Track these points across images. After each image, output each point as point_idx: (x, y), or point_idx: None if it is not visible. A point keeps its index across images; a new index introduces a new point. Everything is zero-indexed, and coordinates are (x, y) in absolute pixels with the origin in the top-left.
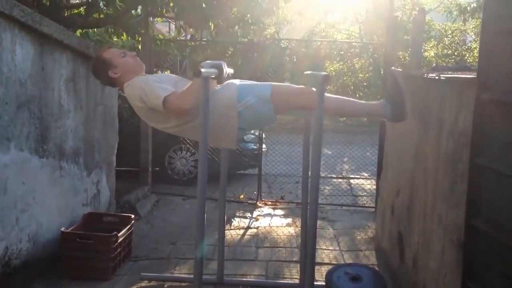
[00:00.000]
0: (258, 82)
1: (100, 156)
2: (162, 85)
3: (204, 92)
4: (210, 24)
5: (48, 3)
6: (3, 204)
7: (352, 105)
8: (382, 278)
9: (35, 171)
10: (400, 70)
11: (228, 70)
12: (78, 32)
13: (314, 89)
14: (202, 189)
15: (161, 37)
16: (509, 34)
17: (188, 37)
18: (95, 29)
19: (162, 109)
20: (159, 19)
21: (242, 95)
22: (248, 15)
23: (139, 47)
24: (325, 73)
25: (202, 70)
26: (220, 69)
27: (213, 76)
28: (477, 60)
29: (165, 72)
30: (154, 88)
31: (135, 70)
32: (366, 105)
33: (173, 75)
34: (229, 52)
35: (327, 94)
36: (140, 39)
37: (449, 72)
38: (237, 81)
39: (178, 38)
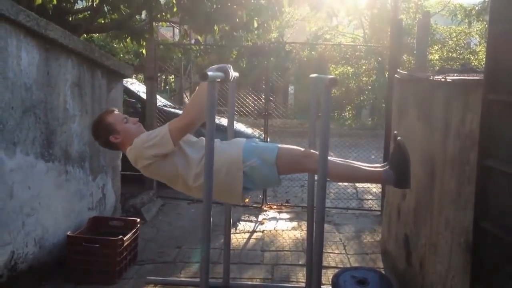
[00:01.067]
0: (265, 143)
1: (105, 161)
2: (156, 131)
3: (210, 96)
4: (215, 28)
5: (51, 9)
6: (9, 209)
7: (355, 172)
8: (389, 281)
9: (41, 175)
10: (405, 73)
11: (233, 74)
12: (82, 37)
13: (317, 152)
14: (208, 193)
15: (166, 41)
16: None
17: (193, 41)
18: (100, 34)
19: (172, 145)
20: (163, 23)
21: (247, 156)
22: (255, 19)
23: (143, 51)
24: (332, 76)
25: (209, 73)
26: (226, 72)
27: (219, 80)
28: (482, 63)
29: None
30: (153, 134)
31: (136, 135)
32: (369, 173)
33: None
34: (234, 56)
35: (331, 159)
36: (144, 43)
37: (455, 74)
38: (242, 140)
39: (182, 43)
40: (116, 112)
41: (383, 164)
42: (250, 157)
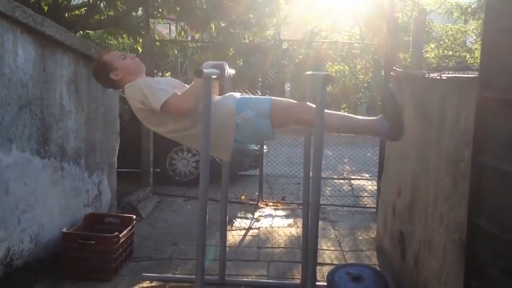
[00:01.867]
0: (259, 96)
1: (101, 157)
2: (162, 87)
3: (205, 93)
4: (211, 25)
5: (47, 5)
6: (5, 205)
7: (351, 121)
8: (384, 278)
9: (37, 172)
10: (401, 70)
11: (229, 71)
12: (79, 34)
13: (313, 105)
14: (204, 190)
15: (162, 37)
16: (511, 32)
17: (189, 38)
18: (96, 31)
19: (159, 112)
20: (160, 20)
21: (241, 108)
22: (251, 16)
23: (139, 48)
24: (327, 72)
25: (204, 70)
26: (222, 69)
27: (215, 77)
28: (477, 61)
29: (166, 75)
30: (154, 90)
31: (136, 71)
32: (365, 121)
33: (174, 79)
34: (230, 54)
35: (327, 111)
36: (141, 40)
37: (450, 72)
38: (237, 94)
39: (179, 39)
40: (113, 51)
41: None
42: (243, 109)
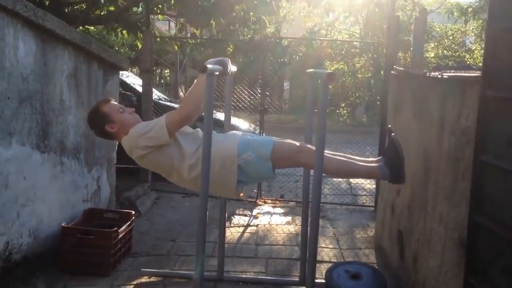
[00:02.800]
0: (260, 137)
1: (100, 153)
2: (154, 121)
3: (208, 89)
4: (211, 22)
5: (48, 0)
6: (4, 199)
7: (350, 168)
8: (382, 276)
9: (36, 166)
10: (402, 69)
11: (232, 68)
12: (79, 29)
13: (313, 147)
14: (204, 187)
15: (162, 34)
16: None
17: (189, 35)
18: (96, 27)
19: (168, 136)
20: (160, 16)
21: (243, 149)
22: (251, 13)
23: (139, 44)
24: (329, 71)
25: (208, 66)
26: (224, 65)
27: (217, 73)
28: (477, 61)
29: (165, 71)
30: (150, 125)
31: (132, 125)
32: (364, 168)
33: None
34: (230, 51)
35: (326, 153)
36: (141, 36)
37: (451, 71)
38: (239, 133)
39: (178, 36)
40: (113, 101)
41: (377, 158)
42: (245, 151)
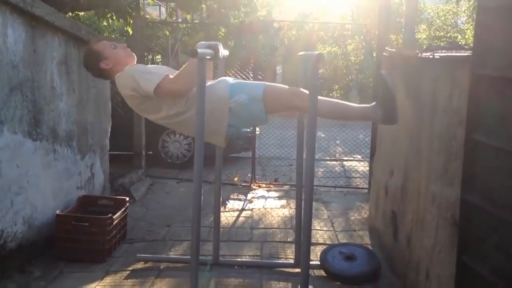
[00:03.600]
0: (252, 81)
1: (93, 140)
2: (153, 72)
3: (200, 74)
4: (202, 6)
5: None
6: None
7: (344, 108)
8: (376, 257)
9: (29, 154)
10: (393, 50)
11: (223, 52)
12: (68, 15)
13: (306, 91)
14: (199, 172)
15: (152, 19)
16: (505, 10)
17: (180, 20)
18: (86, 13)
19: (153, 96)
20: (150, 1)
21: (234, 92)
22: None
23: (129, 30)
24: (318, 52)
25: (198, 50)
26: (216, 49)
27: (209, 57)
28: (469, 41)
29: (156, 57)
30: (146, 75)
31: (127, 61)
32: (358, 108)
33: (164, 66)
34: (221, 34)
35: (319, 97)
36: (131, 22)
37: (442, 51)
38: (230, 79)
39: (169, 21)
40: (104, 40)
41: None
42: (236, 94)
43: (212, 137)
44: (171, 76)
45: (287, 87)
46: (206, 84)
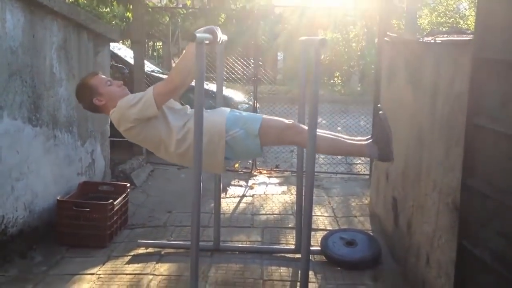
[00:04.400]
0: (249, 113)
1: (93, 126)
2: (141, 93)
3: (199, 58)
4: None
5: None
6: None
7: (340, 145)
8: (377, 242)
9: (29, 140)
10: (395, 36)
11: (222, 37)
12: (68, 1)
13: (304, 126)
14: (198, 159)
15: (153, 5)
16: None
17: (180, 6)
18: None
19: (156, 109)
20: None
21: (230, 125)
22: None
23: (130, 15)
24: (321, 37)
25: (197, 34)
26: (213, 33)
27: (207, 42)
28: (471, 27)
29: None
30: (138, 97)
31: (120, 98)
32: (354, 146)
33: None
34: (222, 20)
35: (318, 132)
36: (131, 7)
37: (444, 36)
38: (227, 110)
39: (170, 6)
40: (100, 75)
41: (367, 137)
42: (233, 127)
43: (210, 168)
44: (160, 82)
45: (285, 121)
46: (203, 112)
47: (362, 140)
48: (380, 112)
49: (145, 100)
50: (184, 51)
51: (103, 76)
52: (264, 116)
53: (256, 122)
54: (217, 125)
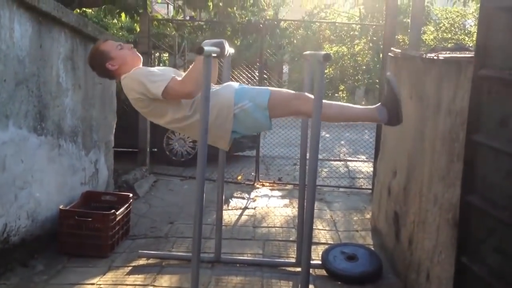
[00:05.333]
0: (258, 87)
1: (98, 136)
2: (159, 73)
3: (206, 71)
4: (209, 4)
5: None
6: (2, 182)
7: (348, 110)
8: (378, 257)
9: (34, 149)
10: (399, 51)
11: (229, 50)
12: (75, 12)
13: (311, 95)
14: (201, 170)
15: (160, 17)
16: (507, 11)
17: (187, 18)
18: (93, 9)
19: (162, 98)
20: None
21: (239, 98)
22: None
23: (137, 27)
24: (325, 52)
25: (205, 48)
26: (221, 46)
27: (215, 55)
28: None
29: (164, 55)
30: (153, 77)
31: (133, 62)
32: (363, 110)
33: (170, 68)
34: (228, 33)
35: (324, 101)
36: (138, 19)
37: (447, 52)
38: (235, 84)
39: (176, 19)
40: (111, 40)
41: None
42: (241, 100)
43: (216, 141)
44: (178, 79)
45: (292, 92)
46: (212, 89)
47: (371, 107)
48: (388, 73)
49: (157, 85)
50: (194, 63)
51: (113, 41)
52: (272, 88)
53: (265, 94)
54: (226, 98)
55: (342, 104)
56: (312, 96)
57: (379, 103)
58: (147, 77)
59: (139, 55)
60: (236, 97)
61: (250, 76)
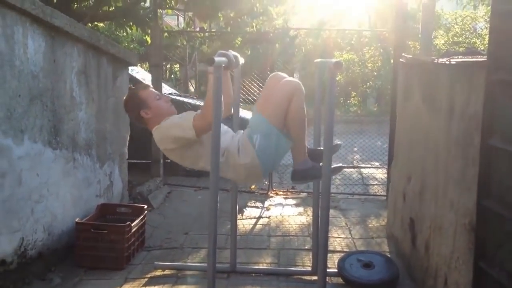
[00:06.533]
0: (250, 116)
1: (112, 148)
2: (185, 117)
3: (216, 82)
4: (219, 15)
5: None
6: (18, 196)
7: (304, 132)
8: (394, 264)
9: (49, 163)
10: (410, 57)
11: (239, 59)
12: (88, 26)
13: (282, 74)
14: (215, 180)
15: (170, 28)
16: None
17: (197, 29)
18: (105, 23)
19: (194, 136)
20: (168, 11)
21: (251, 139)
22: (257, 5)
23: (148, 39)
24: (336, 60)
25: (216, 58)
26: (229, 57)
27: (224, 65)
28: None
29: (174, 66)
30: (181, 121)
31: (168, 114)
32: (305, 146)
33: (191, 112)
34: (238, 43)
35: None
36: (149, 31)
37: (459, 57)
38: (240, 132)
39: (187, 30)
40: (151, 88)
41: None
42: (252, 138)
43: (253, 182)
44: (199, 114)
45: (271, 88)
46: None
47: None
48: (321, 164)
49: (186, 128)
50: (209, 82)
51: (154, 90)
52: (259, 105)
53: (259, 117)
54: (247, 152)
55: (304, 135)
56: (283, 74)
57: (310, 160)
58: (176, 123)
59: (175, 109)
60: (249, 138)
61: (261, 85)
